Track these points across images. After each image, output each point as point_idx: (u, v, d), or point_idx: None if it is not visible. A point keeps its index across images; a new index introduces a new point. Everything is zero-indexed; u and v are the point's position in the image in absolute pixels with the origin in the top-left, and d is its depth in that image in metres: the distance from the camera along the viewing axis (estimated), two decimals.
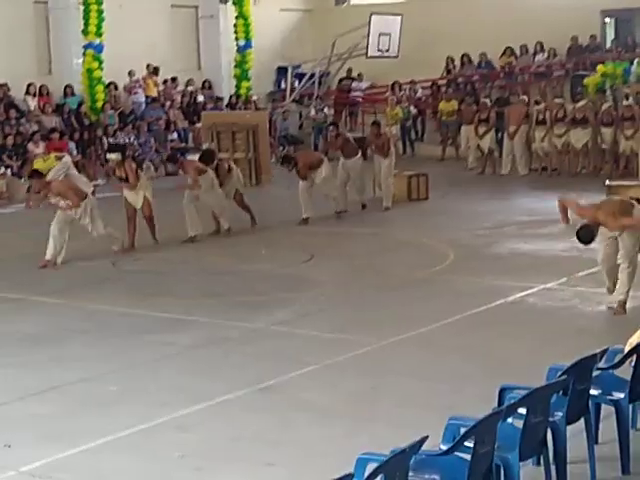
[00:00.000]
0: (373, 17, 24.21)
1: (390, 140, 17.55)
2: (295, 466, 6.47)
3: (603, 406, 6.52)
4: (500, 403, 5.96)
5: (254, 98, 26.17)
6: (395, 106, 23.33)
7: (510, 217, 15.72)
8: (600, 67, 22.68)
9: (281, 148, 23.75)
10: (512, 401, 5.60)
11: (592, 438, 6.20)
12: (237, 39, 26.54)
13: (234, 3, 26.30)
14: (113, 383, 8.22)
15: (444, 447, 5.32)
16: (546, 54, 25.55)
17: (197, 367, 8.65)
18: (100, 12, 23.02)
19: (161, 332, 9.74)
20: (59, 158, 18.75)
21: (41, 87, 22.68)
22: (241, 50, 26.61)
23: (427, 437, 4.90)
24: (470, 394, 7.43)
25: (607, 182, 15.67)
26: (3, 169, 19.71)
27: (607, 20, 26.51)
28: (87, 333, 9.84)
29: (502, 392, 6.07)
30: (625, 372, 6.42)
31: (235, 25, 26.49)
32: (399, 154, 20.72)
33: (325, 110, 25.60)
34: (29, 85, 22.46)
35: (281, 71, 27.92)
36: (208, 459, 6.63)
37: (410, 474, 4.84)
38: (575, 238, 9.50)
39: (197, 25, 27.04)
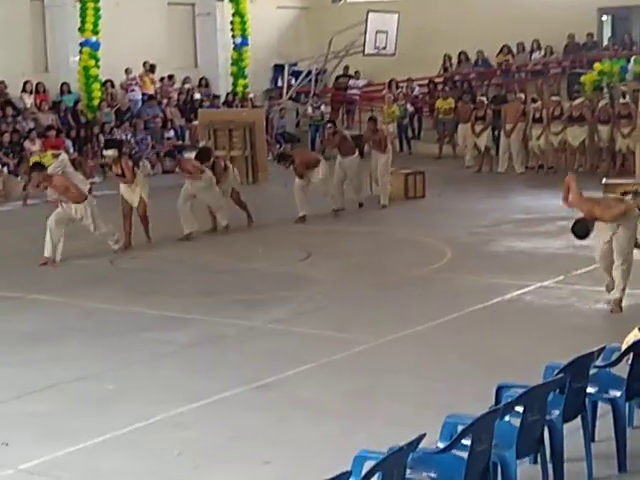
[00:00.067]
0: (370, 15, 24.19)
1: (387, 137, 17.55)
2: (292, 464, 6.48)
3: (600, 404, 6.54)
4: (497, 401, 5.98)
5: (251, 96, 26.16)
6: (392, 104, 23.32)
7: (507, 215, 15.74)
8: (597, 65, 22.66)
9: (278, 146, 23.75)
10: (509, 399, 5.62)
11: (589, 436, 6.22)
12: (234, 37, 26.53)
13: (231, 0, 26.29)
14: (111, 381, 8.23)
15: (441, 445, 5.34)
16: (543, 52, 25.56)
17: (194, 365, 8.66)
18: (96, 10, 23.00)
19: (158, 330, 9.74)
20: (56, 156, 18.72)
21: (37, 85, 22.66)
22: (238, 48, 26.61)
23: (424, 435, 4.91)
24: (467, 392, 7.44)
25: (604, 180, 15.69)
26: (0, 167, 19.70)
27: (604, 18, 26.52)
28: (85, 331, 9.85)
29: (499, 390, 6.09)
30: (622, 370, 6.44)
31: (232, 23, 26.48)
32: (396, 152, 20.72)
33: (322, 108, 25.59)
34: (25, 83, 22.42)
35: (278, 69, 27.91)
36: (205, 457, 6.64)
37: (407, 472, 4.86)
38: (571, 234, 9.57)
39: (194, 22, 27.02)
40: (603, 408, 6.52)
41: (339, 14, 27.15)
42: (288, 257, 13.06)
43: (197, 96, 25.29)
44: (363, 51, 24.61)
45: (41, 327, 10.01)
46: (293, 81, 26.85)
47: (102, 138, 21.53)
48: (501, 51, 25.84)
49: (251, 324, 9.90)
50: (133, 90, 24.19)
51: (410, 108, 24.91)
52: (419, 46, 25.57)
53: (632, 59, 22.88)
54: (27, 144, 20.24)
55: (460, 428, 5.23)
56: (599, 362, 6.43)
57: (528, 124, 20.74)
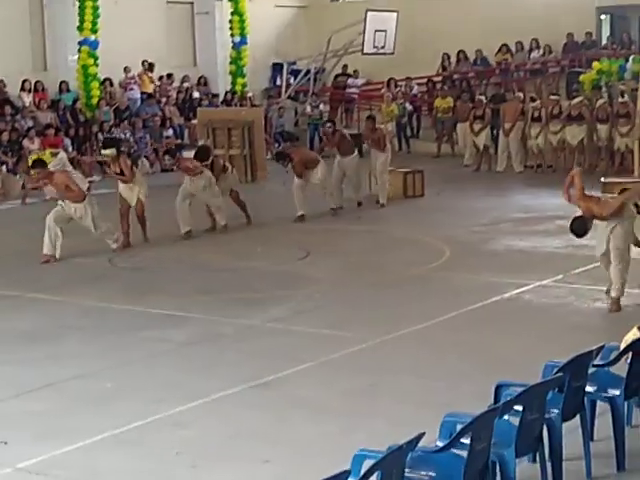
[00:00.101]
0: (369, 14, 24.17)
1: (386, 136, 17.53)
2: (291, 463, 6.48)
3: (598, 403, 6.53)
4: (496, 400, 5.97)
5: (249, 95, 26.16)
6: (391, 103, 23.31)
7: (506, 214, 15.74)
8: (596, 64, 22.68)
9: (277, 145, 23.72)
10: (508, 398, 5.62)
11: (588, 435, 6.22)
12: (232, 35, 26.53)
13: None
14: (109, 380, 8.22)
15: (440, 444, 5.33)
16: (542, 51, 25.56)
17: (193, 364, 8.66)
18: (95, 8, 22.99)
19: (157, 329, 9.73)
20: (54, 154, 18.75)
21: (36, 83, 22.66)
22: (236, 46, 26.61)
23: (424, 434, 4.91)
24: (466, 391, 7.44)
25: (602, 179, 15.69)
26: None
27: (603, 17, 26.54)
28: (83, 330, 9.85)
29: (498, 389, 6.08)
30: (621, 369, 6.43)
31: (230, 21, 26.48)
32: (395, 151, 20.71)
33: (321, 107, 25.59)
34: (24, 81, 22.41)
35: (276, 67, 27.90)
36: (204, 456, 6.63)
37: (406, 471, 4.85)
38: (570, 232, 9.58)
39: (193, 21, 27.01)
40: (602, 407, 6.52)
41: (338, 13, 27.15)
42: (287, 256, 13.05)
43: (196, 95, 25.28)
44: (362, 50, 24.60)
45: (39, 325, 10.00)
46: (292, 80, 26.84)
47: (101, 137, 21.53)
48: (500, 50, 25.85)
49: (250, 323, 9.90)
50: (132, 89, 24.18)
51: (409, 107, 24.91)
52: (418, 45, 25.59)
53: (631, 58, 22.91)
54: (26, 143, 20.23)
55: (459, 427, 5.23)
56: (598, 361, 6.42)
57: (527, 123, 20.74)
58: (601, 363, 6.47)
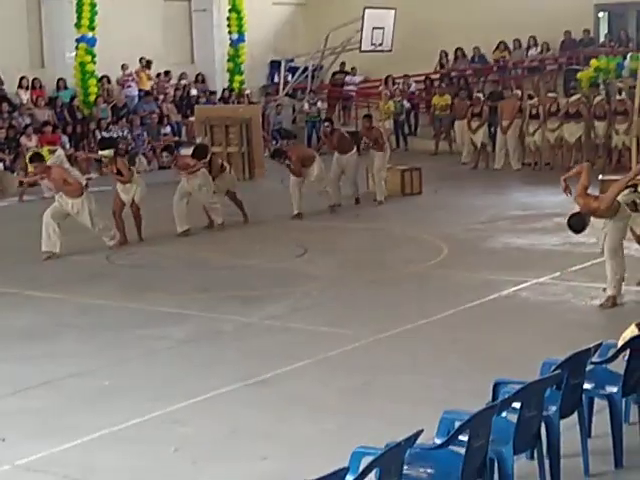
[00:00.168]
0: (367, 11, 24.08)
1: (383, 134, 17.52)
2: (289, 460, 6.48)
3: (596, 400, 6.54)
4: (494, 397, 5.98)
5: (247, 92, 26.13)
6: (387, 100, 23.31)
7: (503, 212, 15.74)
8: (593, 61, 22.68)
9: (274, 142, 23.71)
10: (506, 395, 5.62)
11: (585, 432, 6.23)
12: (230, 33, 26.50)
13: None
14: (106, 378, 8.22)
15: (439, 441, 5.33)
16: (539, 48, 25.55)
17: (190, 361, 8.66)
18: (93, 5, 22.95)
19: (154, 326, 9.73)
20: (52, 151, 18.71)
21: (34, 80, 22.62)
22: (234, 44, 26.58)
23: (422, 431, 4.90)
24: (463, 388, 7.44)
25: (600, 177, 15.69)
26: None
27: (600, 14, 26.52)
28: (81, 328, 9.85)
29: (496, 386, 6.09)
30: (618, 366, 6.44)
31: (228, 19, 26.46)
32: (392, 148, 20.70)
33: (318, 104, 25.57)
34: (22, 78, 22.39)
35: (274, 65, 27.88)
36: (202, 453, 6.63)
37: (405, 467, 4.86)
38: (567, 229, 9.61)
39: (190, 18, 26.98)
40: (600, 404, 6.53)
41: (335, 10, 27.08)
42: (285, 253, 13.05)
43: (194, 92, 25.27)
44: (360, 47, 24.51)
45: (37, 323, 10.00)
46: (289, 77, 26.82)
47: (98, 134, 21.52)
48: (497, 47, 25.83)
49: (247, 320, 9.90)
50: (129, 86, 24.16)
51: (406, 104, 24.89)
52: (416, 42, 25.54)
53: (628, 56, 22.89)
54: (23, 140, 20.21)
55: (457, 424, 5.23)
56: (596, 358, 6.43)
57: (525, 121, 20.73)
58: (599, 360, 6.48)
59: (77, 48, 23.16)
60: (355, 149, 16.76)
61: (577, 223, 9.42)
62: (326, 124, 17.51)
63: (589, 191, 9.74)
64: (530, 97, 21.41)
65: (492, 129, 21.55)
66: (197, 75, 26.20)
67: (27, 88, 22.44)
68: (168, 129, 23.39)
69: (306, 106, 25.41)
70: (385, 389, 7.80)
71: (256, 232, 14.56)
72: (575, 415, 6.16)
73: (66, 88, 23.05)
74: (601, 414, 6.50)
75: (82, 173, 18.75)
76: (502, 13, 25.33)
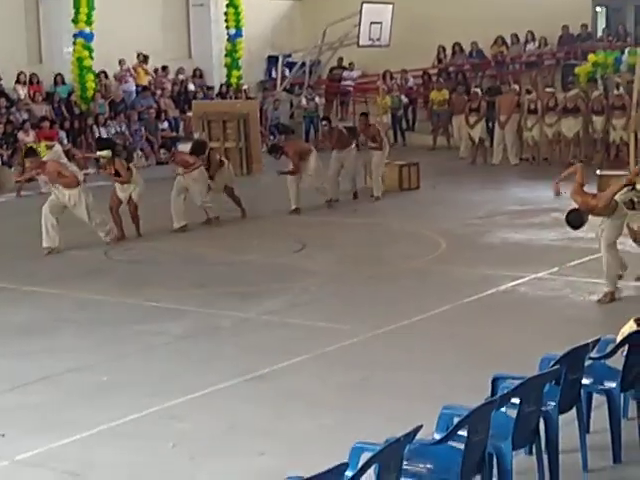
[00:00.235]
0: (364, 6, 24.13)
1: (380, 131, 17.48)
2: (287, 456, 6.47)
3: (595, 395, 6.54)
4: (493, 393, 5.97)
5: (245, 87, 26.12)
6: (385, 95, 23.29)
7: (501, 206, 15.74)
8: (591, 56, 22.67)
9: (272, 137, 23.71)
10: (505, 391, 5.62)
11: (584, 427, 6.23)
12: (228, 28, 26.48)
13: None
14: (105, 373, 8.22)
15: (438, 436, 5.33)
16: (537, 43, 25.54)
17: (188, 357, 8.65)
18: (90, 1, 22.93)
19: (152, 322, 9.73)
20: (49, 147, 18.71)
21: (31, 76, 22.61)
22: (232, 39, 26.56)
23: (421, 426, 4.90)
24: (461, 384, 7.43)
25: (598, 172, 15.71)
26: None
27: (598, 9, 26.50)
28: (79, 323, 9.84)
29: (495, 381, 6.08)
30: (617, 362, 6.44)
31: (226, 14, 26.43)
32: (390, 143, 20.69)
33: (316, 99, 25.56)
34: (19, 74, 22.37)
35: (272, 60, 27.85)
36: (200, 449, 6.63)
37: (404, 463, 4.85)
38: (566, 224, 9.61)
39: (188, 13, 26.95)
40: (598, 399, 6.53)
41: (333, 5, 27.05)
42: (282, 249, 13.05)
43: (191, 87, 25.25)
44: (357, 42, 24.56)
45: (35, 319, 10.00)
46: (287, 72, 26.80)
47: (96, 129, 21.51)
48: (495, 42, 25.81)
49: (245, 316, 9.89)
50: (127, 81, 24.13)
51: (404, 99, 24.89)
52: (413, 37, 25.53)
53: (626, 50, 22.88)
54: (21, 135, 20.20)
55: (456, 419, 5.23)
56: (594, 354, 6.43)
57: (522, 115, 20.72)
58: (597, 356, 6.48)
59: (74, 43, 23.14)
60: (354, 144, 16.75)
61: (575, 220, 9.43)
62: (324, 123, 17.54)
63: (585, 189, 9.76)
64: (528, 92, 21.41)
65: (490, 124, 21.55)
66: (194, 70, 26.18)
67: (25, 83, 22.42)
68: (166, 124, 23.37)
69: (304, 101, 25.39)
70: (383, 384, 7.79)
71: (254, 227, 14.55)
72: (574, 410, 6.16)
73: (64, 83, 23.03)
74: (600, 409, 6.51)
75: (80, 168, 18.76)
76: (500, 8, 25.32)
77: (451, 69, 26.30)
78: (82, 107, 22.66)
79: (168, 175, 15.76)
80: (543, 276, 11.10)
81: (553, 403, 5.89)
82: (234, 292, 10.88)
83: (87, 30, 23.05)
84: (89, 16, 22.99)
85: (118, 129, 21.62)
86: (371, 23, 24.49)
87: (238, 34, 26.53)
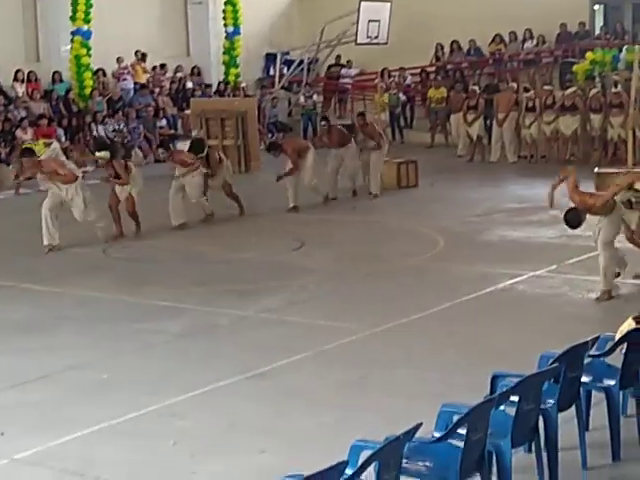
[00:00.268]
0: (362, 3, 24.13)
1: (377, 129, 17.46)
2: (288, 453, 6.48)
3: (594, 393, 6.56)
4: (492, 391, 5.99)
5: (243, 85, 26.11)
6: (382, 93, 23.28)
7: (499, 204, 15.74)
8: (589, 54, 22.67)
9: (270, 135, 23.70)
10: (504, 389, 5.63)
11: (583, 425, 6.24)
12: (226, 25, 26.47)
13: None
14: (104, 371, 8.22)
15: (437, 434, 5.34)
16: (535, 41, 25.56)
17: (187, 355, 8.66)
18: None
19: (151, 320, 9.73)
20: (47, 144, 18.67)
21: (29, 73, 22.59)
22: (230, 37, 26.55)
23: (421, 424, 4.92)
24: (460, 382, 7.45)
25: (596, 169, 15.72)
26: None
27: (596, 7, 26.52)
28: (78, 321, 9.84)
29: (494, 379, 6.10)
30: (616, 359, 6.45)
31: (224, 11, 26.42)
32: (388, 141, 20.67)
33: (314, 97, 25.55)
34: (17, 71, 22.35)
35: (270, 58, 27.85)
36: (200, 447, 6.64)
37: (404, 461, 4.87)
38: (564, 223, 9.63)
39: (186, 11, 26.93)
40: (597, 397, 6.54)
41: (331, 3, 27.03)
42: (281, 246, 13.05)
43: (189, 85, 25.23)
44: (355, 40, 24.56)
45: (34, 316, 10.00)
46: (285, 70, 26.79)
47: (94, 127, 21.50)
48: (493, 40, 25.82)
49: (244, 314, 9.90)
50: (125, 79, 24.12)
51: (402, 97, 24.87)
52: (411, 35, 25.53)
53: (624, 48, 22.87)
54: (19, 133, 20.19)
55: (456, 417, 5.24)
56: (593, 351, 6.44)
57: (521, 113, 20.72)
58: (596, 353, 6.50)
59: (72, 41, 23.11)
60: (353, 141, 16.76)
61: (573, 218, 9.45)
62: (323, 123, 17.54)
63: (582, 189, 9.79)
64: (526, 90, 21.41)
65: (488, 122, 21.54)
66: (193, 68, 26.16)
67: (23, 81, 22.40)
68: (164, 122, 23.36)
69: (302, 99, 25.39)
70: (382, 383, 7.80)
71: (252, 225, 14.56)
72: (573, 408, 6.17)
73: (61, 81, 23.02)
74: (599, 407, 6.52)
75: (78, 166, 18.74)
76: (498, 6, 25.32)
77: (449, 67, 26.30)
78: (80, 105, 22.64)
79: (166, 173, 15.73)
80: (541, 274, 11.11)
81: (552, 401, 5.91)
82: (232, 290, 10.89)
83: (85, 28, 23.03)
84: (87, 14, 22.96)
85: (116, 127, 21.60)
86: (369, 21, 24.49)
87: (236, 32, 26.52)
